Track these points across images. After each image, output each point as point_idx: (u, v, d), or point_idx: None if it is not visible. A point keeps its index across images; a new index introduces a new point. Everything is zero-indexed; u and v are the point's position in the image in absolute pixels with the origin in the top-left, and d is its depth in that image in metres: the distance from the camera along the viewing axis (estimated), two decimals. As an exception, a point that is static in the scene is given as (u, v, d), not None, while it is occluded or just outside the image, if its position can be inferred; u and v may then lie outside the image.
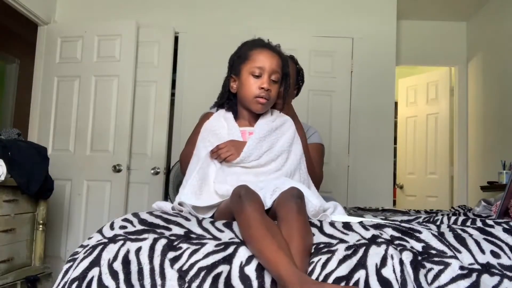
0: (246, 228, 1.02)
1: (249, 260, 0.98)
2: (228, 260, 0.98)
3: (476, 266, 0.99)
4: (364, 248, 0.99)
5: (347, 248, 1.00)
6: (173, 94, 3.50)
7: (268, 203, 1.15)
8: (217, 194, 1.32)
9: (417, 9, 4.07)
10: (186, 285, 0.95)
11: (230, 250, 1.00)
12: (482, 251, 1.03)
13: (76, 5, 3.64)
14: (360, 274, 0.94)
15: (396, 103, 3.97)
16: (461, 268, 0.97)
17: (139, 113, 3.37)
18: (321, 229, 1.10)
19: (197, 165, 1.39)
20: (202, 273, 0.96)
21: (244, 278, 0.95)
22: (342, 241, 1.04)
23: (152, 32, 3.42)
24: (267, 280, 0.95)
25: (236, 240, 1.05)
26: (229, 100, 1.56)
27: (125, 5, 3.62)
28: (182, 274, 0.96)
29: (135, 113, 3.35)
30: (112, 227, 1.11)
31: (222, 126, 1.50)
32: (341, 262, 0.97)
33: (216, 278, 0.95)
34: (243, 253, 1.00)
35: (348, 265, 0.96)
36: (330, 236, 1.06)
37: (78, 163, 3.29)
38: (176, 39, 3.53)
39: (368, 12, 3.63)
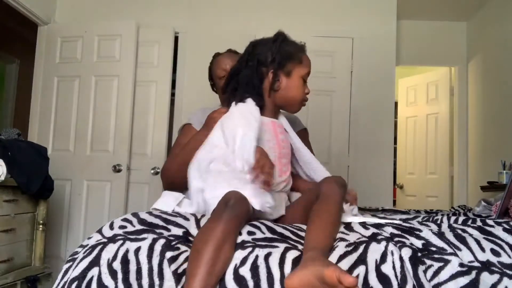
0: (203, 238, 0.98)
1: (243, 261, 0.98)
2: None
3: (476, 264, 1.00)
4: (364, 245, 1.00)
5: (348, 245, 1.01)
6: (173, 94, 3.50)
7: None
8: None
9: (417, 9, 4.07)
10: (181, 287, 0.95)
11: None
12: (482, 249, 1.03)
13: (76, 5, 3.64)
14: (360, 270, 0.95)
15: (396, 103, 3.96)
16: (461, 265, 0.98)
17: (139, 113, 3.37)
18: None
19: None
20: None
21: (240, 279, 0.95)
22: (342, 239, 1.05)
23: (152, 32, 3.42)
24: (263, 277, 0.95)
25: None
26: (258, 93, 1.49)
27: (125, 5, 3.62)
28: (177, 277, 0.96)
29: (135, 113, 3.35)
30: (111, 227, 1.11)
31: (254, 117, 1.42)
32: (341, 257, 0.97)
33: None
34: (238, 255, 1.00)
35: (349, 260, 0.96)
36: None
37: (78, 163, 3.29)
38: (176, 39, 3.53)
39: (368, 12, 3.63)
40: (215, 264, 0.94)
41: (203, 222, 1.14)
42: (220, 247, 0.96)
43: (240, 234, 1.08)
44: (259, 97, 1.45)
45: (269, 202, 1.19)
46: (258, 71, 1.47)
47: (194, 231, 1.10)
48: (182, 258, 0.99)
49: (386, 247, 0.98)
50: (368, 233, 1.06)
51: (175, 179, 1.51)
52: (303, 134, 1.72)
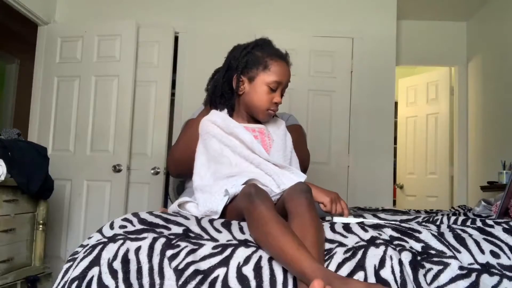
0: (261, 225, 1.00)
1: (247, 260, 0.98)
2: (225, 262, 0.98)
3: (476, 266, 0.99)
4: (362, 250, 0.99)
5: (346, 251, 1.00)
6: (173, 94, 3.50)
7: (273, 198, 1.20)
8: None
9: (417, 9, 4.07)
10: (182, 284, 0.95)
11: (228, 252, 1.00)
12: (482, 251, 1.03)
13: (76, 5, 3.64)
14: (359, 276, 0.94)
15: (396, 103, 3.96)
16: (461, 268, 0.97)
17: (139, 113, 3.37)
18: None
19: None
20: (199, 277, 0.95)
21: (242, 278, 0.95)
22: (341, 244, 1.04)
23: (152, 32, 3.42)
24: (265, 279, 0.95)
25: (234, 242, 1.05)
26: (225, 97, 1.53)
27: (125, 5, 3.62)
28: (178, 273, 0.96)
29: (135, 113, 3.35)
30: (112, 226, 1.11)
31: (228, 123, 1.46)
32: (340, 265, 0.97)
33: (213, 282, 0.95)
34: (241, 253, 1.00)
35: (348, 267, 0.96)
36: (330, 241, 1.06)
37: (78, 163, 3.29)
38: (176, 39, 3.53)
39: (368, 12, 3.63)
40: (292, 233, 0.96)
41: (204, 221, 1.14)
42: (278, 221, 0.98)
43: (244, 233, 1.08)
44: (226, 102, 1.51)
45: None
46: (227, 75, 1.50)
47: (194, 228, 1.10)
48: (182, 254, 0.99)
49: (384, 252, 0.97)
50: (367, 236, 1.05)
51: (182, 160, 1.52)
52: (294, 129, 1.71)
